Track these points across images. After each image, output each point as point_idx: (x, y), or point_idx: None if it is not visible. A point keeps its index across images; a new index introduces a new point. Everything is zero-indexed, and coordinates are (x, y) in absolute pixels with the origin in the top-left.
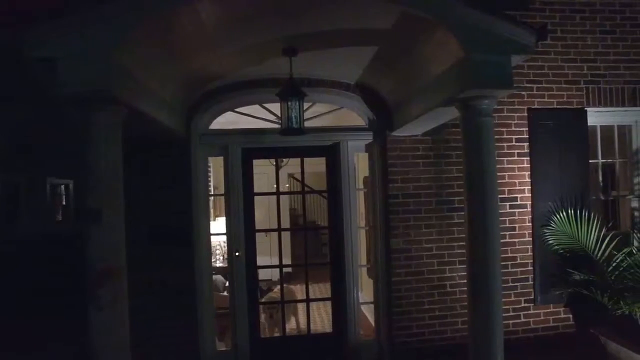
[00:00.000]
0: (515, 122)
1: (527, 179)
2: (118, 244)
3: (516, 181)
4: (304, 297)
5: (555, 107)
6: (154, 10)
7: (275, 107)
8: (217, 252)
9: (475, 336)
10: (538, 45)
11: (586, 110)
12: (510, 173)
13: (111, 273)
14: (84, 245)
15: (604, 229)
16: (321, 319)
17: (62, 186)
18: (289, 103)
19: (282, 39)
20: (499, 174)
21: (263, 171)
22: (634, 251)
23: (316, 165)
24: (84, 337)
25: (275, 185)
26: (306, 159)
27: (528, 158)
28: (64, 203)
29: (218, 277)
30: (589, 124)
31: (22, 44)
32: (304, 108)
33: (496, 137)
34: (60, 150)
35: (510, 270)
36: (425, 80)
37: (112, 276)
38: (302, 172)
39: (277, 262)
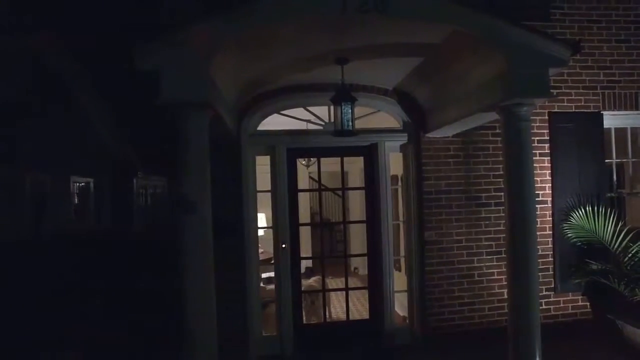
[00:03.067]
0: (537, 124)
1: (548, 177)
2: (207, 231)
3: (538, 179)
4: (329, 288)
5: (573, 110)
6: (240, 29)
7: (318, 110)
8: None
9: (515, 318)
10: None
11: (602, 114)
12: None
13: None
14: (179, 232)
15: (620, 223)
16: (347, 308)
17: (76, 185)
18: (343, 107)
19: (336, 50)
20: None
21: None
22: None
23: (331, 165)
24: None
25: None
26: (322, 160)
27: (549, 158)
28: (76, 202)
29: None
30: (604, 127)
31: (131, 57)
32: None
33: None
34: (81, 150)
35: None
36: (464, 88)
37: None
38: (342, 170)
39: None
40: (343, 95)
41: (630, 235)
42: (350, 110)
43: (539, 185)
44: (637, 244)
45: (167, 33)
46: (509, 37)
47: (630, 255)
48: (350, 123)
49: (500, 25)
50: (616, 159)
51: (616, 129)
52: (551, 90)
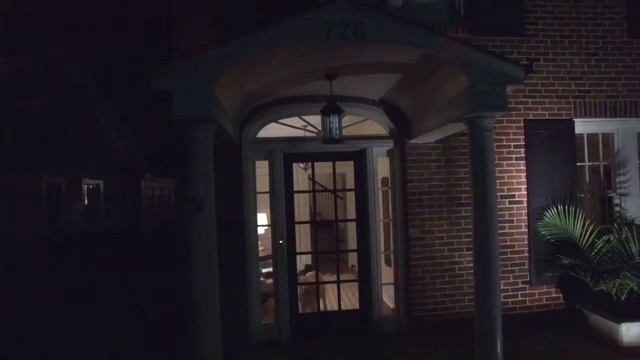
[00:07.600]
0: (514, 131)
1: (524, 179)
2: (211, 226)
3: (514, 181)
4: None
5: (547, 118)
6: (239, 56)
7: (311, 119)
8: None
9: (479, 305)
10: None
11: (574, 121)
12: (509, 174)
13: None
14: (189, 226)
15: (587, 221)
16: (339, 299)
17: (85, 186)
18: (330, 118)
19: (325, 67)
20: (499, 174)
21: None
22: (611, 239)
23: (328, 168)
24: None
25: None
26: (319, 164)
27: (524, 161)
28: (86, 202)
29: None
30: (576, 133)
31: (148, 80)
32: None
33: (497, 143)
34: (93, 153)
35: (509, 256)
36: (439, 100)
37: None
38: (334, 174)
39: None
40: (331, 107)
41: (597, 231)
42: (337, 121)
43: (515, 186)
44: (601, 240)
45: (178, 61)
46: (470, 60)
47: (596, 250)
48: (337, 132)
49: (464, 49)
50: (588, 162)
51: (588, 135)
52: (516, 98)
